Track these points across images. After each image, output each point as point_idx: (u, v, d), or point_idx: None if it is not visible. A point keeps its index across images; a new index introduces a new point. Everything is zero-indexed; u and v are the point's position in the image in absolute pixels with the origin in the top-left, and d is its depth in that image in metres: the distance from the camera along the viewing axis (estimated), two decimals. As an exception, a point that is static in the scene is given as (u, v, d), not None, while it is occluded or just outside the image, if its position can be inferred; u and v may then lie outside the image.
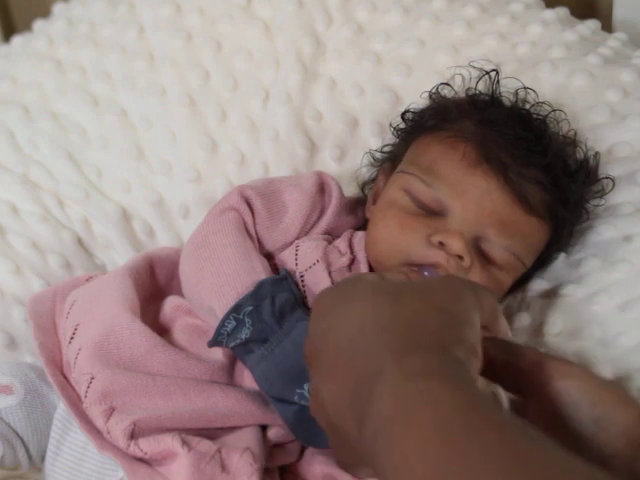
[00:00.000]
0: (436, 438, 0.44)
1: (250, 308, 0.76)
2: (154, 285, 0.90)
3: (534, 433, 0.43)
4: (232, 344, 0.76)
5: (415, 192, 0.85)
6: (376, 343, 0.52)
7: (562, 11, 1.09)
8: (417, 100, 0.97)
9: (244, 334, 0.75)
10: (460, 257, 0.81)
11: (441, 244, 0.81)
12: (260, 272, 0.81)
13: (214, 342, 0.77)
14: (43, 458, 0.81)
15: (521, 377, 0.58)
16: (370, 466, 0.49)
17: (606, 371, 0.79)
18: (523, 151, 0.84)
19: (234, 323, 0.76)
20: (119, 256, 1.03)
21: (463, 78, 0.95)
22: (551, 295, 0.88)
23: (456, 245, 0.80)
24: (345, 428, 0.53)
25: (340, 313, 0.57)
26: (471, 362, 0.53)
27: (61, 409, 0.81)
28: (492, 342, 0.59)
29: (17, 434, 0.80)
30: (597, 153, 0.91)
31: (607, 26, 1.14)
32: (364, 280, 0.60)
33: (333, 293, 0.61)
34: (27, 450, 0.80)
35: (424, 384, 0.47)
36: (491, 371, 0.58)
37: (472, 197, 0.83)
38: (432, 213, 0.84)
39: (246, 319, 0.75)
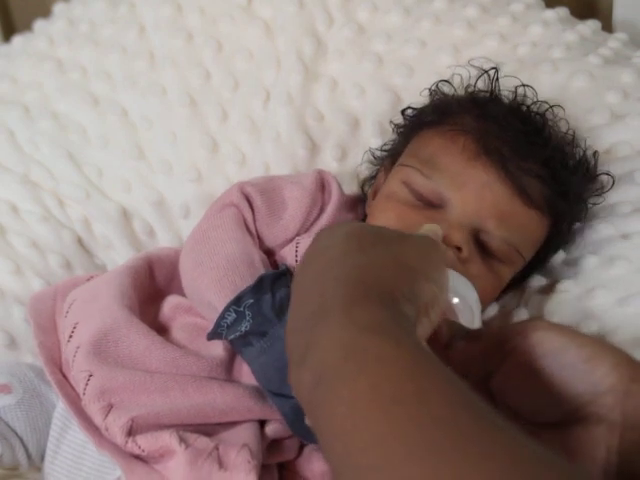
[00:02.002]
0: (379, 405, 0.43)
1: (251, 301, 0.76)
2: (153, 286, 0.90)
3: (483, 408, 0.42)
4: (231, 336, 0.76)
5: (414, 184, 0.85)
6: (331, 284, 0.51)
7: (562, 11, 1.09)
8: (418, 100, 0.97)
9: (244, 327, 0.75)
10: (459, 248, 0.81)
11: None
12: (259, 267, 0.81)
13: (213, 334, 0.77)
14: (42, 457, 0.81)
15: (482, 355, 0.58)
16: (306, 412, 0.48)
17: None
18: (523, 144, 0.84)
19: (234, 315, 0.76)
20: (119, 256, 1.03)
21: (461, 78, 0.95)
22: (549, 291, 0.89)
23: (455, 236, 0.81)
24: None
25: (315, 252, 0.57)
26: (420, 322, 0.52)
27: (60, 408, 0.81)
28: (448, 326, 0.59)
29: (16, 433, 0.80)
30: (596, 152, 0.91)
31: (607, 26, 1.14)
32: (346, 225, 0.60)
33: (322, 233, 0.60)
34: (26, 449, 0.80)
35: (373, 340, 0.46)
36: (444, 357, 0.58)
37: (472, 189, 0.83)
38: (431, 205, 0.84)
39: (246, 312, 0.75)
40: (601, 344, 0.55)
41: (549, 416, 0.55)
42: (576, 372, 0.54)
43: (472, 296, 0.72)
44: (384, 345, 0.45)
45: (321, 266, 0.54)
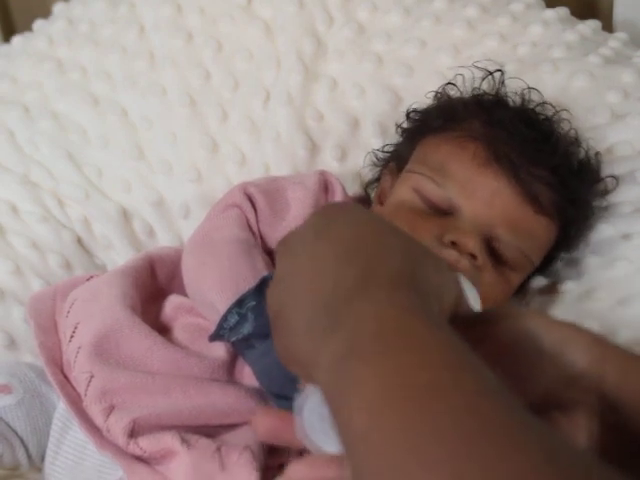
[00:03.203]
0: (416, 381, 0.42)
1: (253, 303, 0.76)
2: (154, 285, 0.89)
3: (516, 401, 0.42)
4: (234, 338, 0.76)
5: (425, 192, 0.85)
6: (372, 265, 0.50)
7: (562, 11, 1.09)
8: (418, 100, 0.97)
9: (246, 329, 0.75)
10: (473, 256, 0.81)
11: (453, 243, 0.81)
12: (262, 268, 0.81)
13: (215, 336, 0.77)
14: (43, 458, 0.81)
15: None
16: (325, 382, 0.47)
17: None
18: (531, 151, 0.85)
19: (237, 317, 0.76)
20: (119, 256, 1.03)
21: (464, 78, 0.95)
22: (550, 291, 0.88)
23: (469, 244, 0.81)
24: (293, 323, 0.51)
25: (334, 226, 0.54)
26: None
27: (61, 408, 0.81)
28: None
29: (16, 433, 0.79)
30: (598, 153, 0.91)
31: (607, 26, 1.14)
32: (361, 210, 0.59)
33: (337, 208, 0.59)
34: (26, 449, 0.80)
35: (414, 320, 0.45)
36: None
37: (482, 197, 0.83)
38: (442, 213, 0.84)
39: (249, 314, 0.75)
40: (573, 327, 0.54)
41: (525, 401, 0.54)
42: (548, 357, 0.53)
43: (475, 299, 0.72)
44: (424, 327, 0.45)
45: (351, 244, 0.52)
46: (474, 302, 0.62)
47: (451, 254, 0.81)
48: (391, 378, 0.43)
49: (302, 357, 0.50)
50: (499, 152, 0.84)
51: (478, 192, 0.83)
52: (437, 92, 0.96)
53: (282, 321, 0.52)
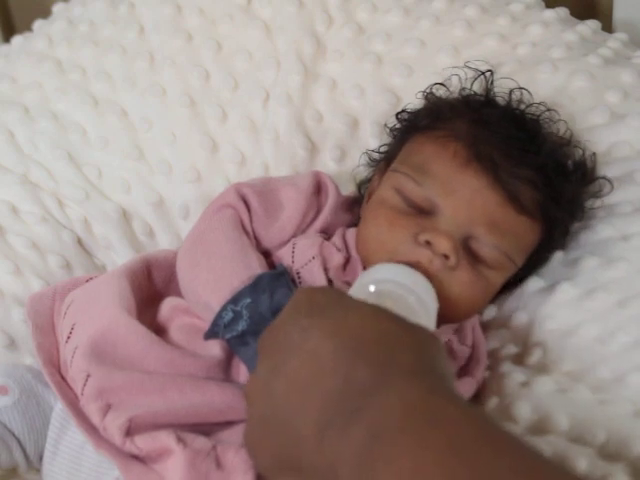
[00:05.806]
0: (455, 459, 0.43)
1: (248, 300, 0.76)
2: (151, 288, 0.90)
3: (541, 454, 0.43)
4: (228, 336, 0.76)
5: (406, 191, 0.85)
6: (383, 358, 0.51)
7: (562, 11, 1.09)
8: (418, 101, 0.97)
9: (241, 326, 0.76)
10: (446, 256, 0.81)
11: (428, 243, 0.81)
12: (256, 268, 0.81)
13: (210, 333, 0.77)
14: (41, 458, 0.81)
15: None
16: (352, 466, 0.48)
17: (603, 371, 0.79)
18: (515, 150, 0.84)
19: (231, 314, 0.76)
20: (119, 257, 1.03)
21: (460, 79, 0.95)
22: (548, 292, 0.88)
23: (442, 244, 0.81)
24: (298, 430, 0.51)
25: (336, 329, 0.55)
26: None
27: (58, 409, 0.81)
28: None
29: (13, 434, 0.79)
30: (594, 154, 0.91)
31: (607, 26, 1.14)
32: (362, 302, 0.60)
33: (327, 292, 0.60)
34: (24, 450, 0.80)
35: (439, 400, 0.47)
36: None
37: (462, 196, 0.83)
38: (422, 212, 0.84)
39: (244, 311, 0.76)
40: None
41: None
42: None
43: (431, 299, 0.74)
44: (449, 405, 0.46)
45: (354, 338, 0.54)
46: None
47: (425, 254, 0.81)
48: (421, 453, 0.43)
49: (312, 460, 0.50)
50: (481, 151, 0.84)
51: (458, 191, 0.83)
52: (425, 92, 0.96)
53: (281, 429, 0.54)
